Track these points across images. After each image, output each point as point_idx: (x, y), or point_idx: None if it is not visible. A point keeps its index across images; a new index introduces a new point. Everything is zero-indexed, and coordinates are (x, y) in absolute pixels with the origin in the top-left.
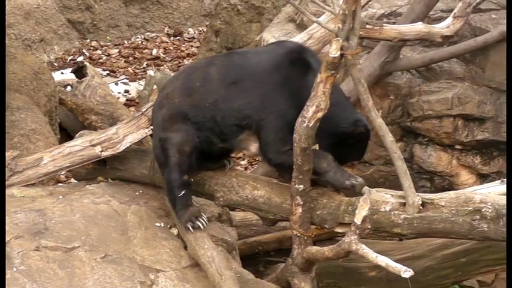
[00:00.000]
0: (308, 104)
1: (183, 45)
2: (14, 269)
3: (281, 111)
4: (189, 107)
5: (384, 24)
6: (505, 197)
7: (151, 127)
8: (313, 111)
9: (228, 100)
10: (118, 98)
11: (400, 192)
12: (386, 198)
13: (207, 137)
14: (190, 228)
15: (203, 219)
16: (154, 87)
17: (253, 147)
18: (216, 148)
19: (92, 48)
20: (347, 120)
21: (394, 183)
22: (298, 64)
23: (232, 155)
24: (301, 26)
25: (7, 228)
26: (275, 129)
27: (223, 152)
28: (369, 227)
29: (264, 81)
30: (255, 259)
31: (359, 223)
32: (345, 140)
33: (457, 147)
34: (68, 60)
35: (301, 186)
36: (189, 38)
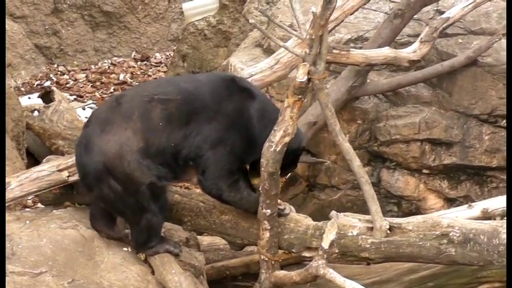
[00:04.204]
0: (275, 128)
1: (150, 69)
2: None
3: (233, 142)
4: (155, 149)
5: (351, 49)
6: (473, 221)
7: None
8: (280, 135)
9: (190, 137)
10: None
11: (367, 217)
12: (353, 222)
13: (164, 174)
14: (179, 251)
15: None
16: None
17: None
18: None
19: (59, 73)
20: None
21: (362, 208)
22: (244, 92)
23: None
24: (268, 51)
25: None
26: (222, 162)
27: None
28: (336, 251)
29: (219, 113)
30: (222, 284)
31: (326, 247)
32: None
33: (425, 171)
34: (35, 85)
35: (269, 210)
36: (156, 63)
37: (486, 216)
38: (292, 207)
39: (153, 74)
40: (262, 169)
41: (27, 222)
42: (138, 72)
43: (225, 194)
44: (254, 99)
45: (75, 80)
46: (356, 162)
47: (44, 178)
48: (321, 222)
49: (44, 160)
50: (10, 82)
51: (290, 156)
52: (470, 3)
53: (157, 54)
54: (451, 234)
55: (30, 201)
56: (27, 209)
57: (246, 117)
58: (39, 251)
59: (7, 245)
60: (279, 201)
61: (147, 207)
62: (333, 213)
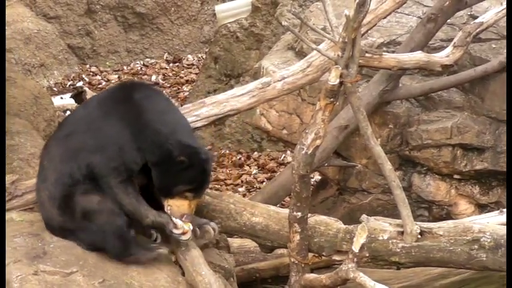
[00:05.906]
0: (307, 131)
1: (182, 71)
2: None
3: (109, 140)
4: (60, 186)
5: (384, 53)
6: (504, 226)
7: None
8: (312, 138)
9: (77, 158)
10: None
11: (398, 221)
12: (384, 226)
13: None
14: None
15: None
16: None
17: None
18: None
19: (91, 73)
20: (173, 145)
21: (392, 212)
22: (116, 92)
23: None
24: (301, 54)
25: (6, 252)
26: (104, 161)
27: None
28: (367, 255)
29: (92, 123)
30: (252, 286)
31: (357, 251)
32: (169, 165)
33: (456, 176)
34: (67, 85)
35: (299, 213)
36: (188, 65)
37: None
38: (215, 228)
39: (185, 76)
40: (294, 171)
41: None
42: (170, 74)
43: (113, 192)
44: (133, 93)
45: (108, 80)
46: (387, 166)
47: None
48: (352, 226)
49: None
50: (43, 82)
51: (172, 169)
52: (504, 8)
53: (189, 56)
54: (482, 240)
55: None
56: None
57: (117, 113)
58: (70, 251)
59: (39, 244)
60: (179, 222)
61: (94, 214)
62: (364, 217)
